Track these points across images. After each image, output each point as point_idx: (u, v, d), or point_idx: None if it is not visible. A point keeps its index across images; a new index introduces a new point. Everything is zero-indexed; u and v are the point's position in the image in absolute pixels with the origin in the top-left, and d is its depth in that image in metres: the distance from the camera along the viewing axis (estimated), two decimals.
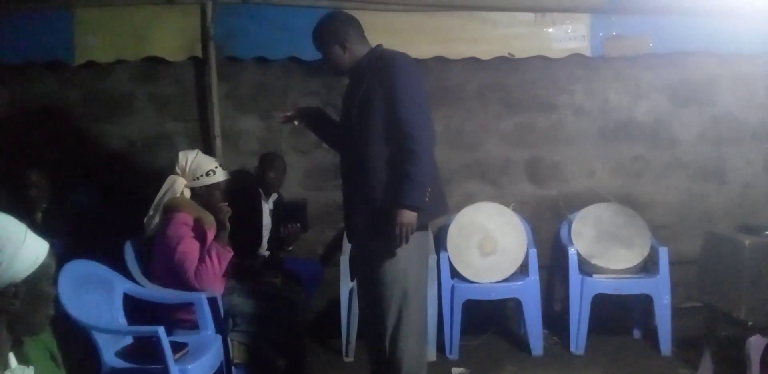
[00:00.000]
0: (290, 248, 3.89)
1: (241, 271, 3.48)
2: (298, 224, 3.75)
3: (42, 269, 1.55)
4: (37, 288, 1.55)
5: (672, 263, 4.04)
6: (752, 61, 4.46)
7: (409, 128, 2.67)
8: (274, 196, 4.04)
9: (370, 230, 2.80)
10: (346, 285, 3.89)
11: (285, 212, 3.80)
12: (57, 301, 2.61)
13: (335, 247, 4.29)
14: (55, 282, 1.64)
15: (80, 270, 2.97)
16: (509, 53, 4.31)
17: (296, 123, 3.04)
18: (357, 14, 4.09)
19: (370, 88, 2.74)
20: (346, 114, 2.87)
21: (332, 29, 2.85)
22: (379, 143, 2.73)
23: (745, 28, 4.25)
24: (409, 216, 2.66)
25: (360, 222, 2.84)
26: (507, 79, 4.46)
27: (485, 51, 4.31)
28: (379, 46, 2.90)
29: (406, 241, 2.70)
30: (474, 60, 4.32)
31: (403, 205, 2.66)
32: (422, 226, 2.84)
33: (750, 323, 3.27)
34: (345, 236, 3.93)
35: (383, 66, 2.74)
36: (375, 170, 2.75)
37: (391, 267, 2.79)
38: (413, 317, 2.84)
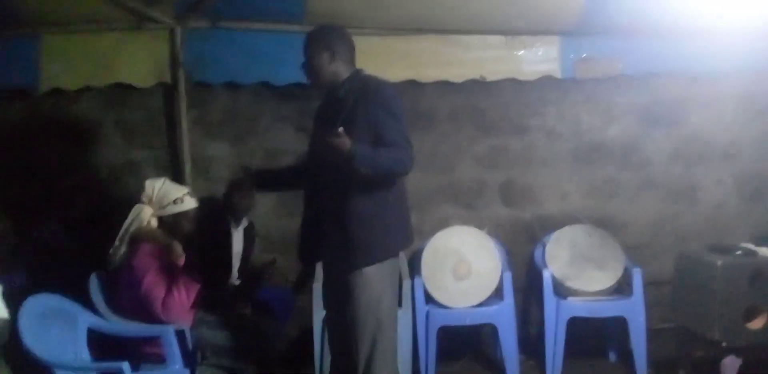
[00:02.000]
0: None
1: (210, 302, 3.41)
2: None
3: None
4: None
5: (646, 284, 4.03)
6: (721, 81, 4.50)
7: (399, 142, 2.68)
8: (245, 223, 3.99)
9: (343, 256, 2.76)
10: (319, 313, 3.82)
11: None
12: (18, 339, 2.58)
13: (307, 275, 4.24)
14: None
15: (43, 304, 2.90)
16: (481, 76, 4.32)
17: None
18: None
19: (352, 115, 2.72)
20: (322, 138, 2.83)
21: (329, 37, 2.82)
22: None
23: (713, 50, 4.29)
24: (343, 145, 2.52)
25: (333, 249, 2.80)
26: (479, 101, 4.48)
27: (457, 74, 4.32)
28: (360, 70, 2.88)
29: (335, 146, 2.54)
30: (446, 83, 4.32)
31: (354, 146, 2.54)
32: (393, 254, 2.83)
33: (724, 344, 3.28)
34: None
35: (369, 94, 2.72)
36: (352, 195, 2.73)
37: (364, 295, 2.75)
38: (387, 346, 2.81)
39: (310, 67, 2.82)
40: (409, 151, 2.72)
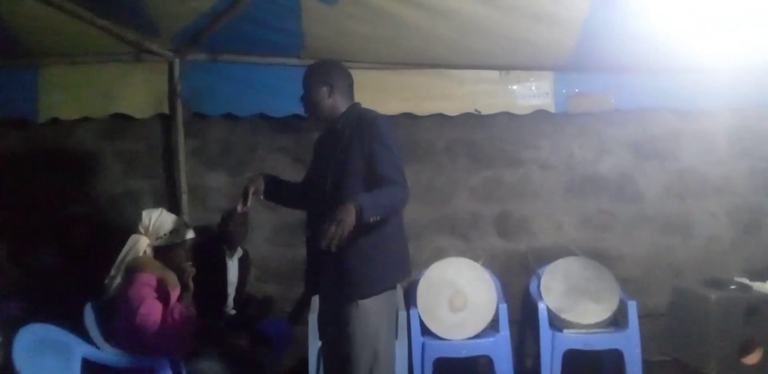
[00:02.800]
0: None
1: (205, 333, 3.39)
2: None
3: None
4: None
5: (641, 316, 4.03)
6: (712, 117, 4.56)
7: (393, 177, 2.66)
8: (240, 252, 3.99)
9: (339, 287, 2.76)
10: (315, 344, 3.81)
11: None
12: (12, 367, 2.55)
13: (304, 305, 4.22)
14: None
15: (37, 334, 2.87)
16: (476, 110, 4.38)
17: (262, 197, 2.94)
18: None
19: (348, 148, 2.74)
20: (320, 169, 2.87)
21: (329, 71, 2.88)
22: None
23: (704, 86, 4.37)
24: (350, 214, 2.47)
25: (329, 280, 2.80)
26: (474, 134, 4.52)
27: (452, 107, 4.38)
28: (357, 104, 2.91)
29: (334, 242, 2.46)
30: (441, 116, 4.38)
31: (357, 202, 2.48)
32: (390, 286, 2.82)
33: None
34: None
35: (364, 127, 2.74)
36: None
37: (360, 328, 2.72)
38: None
39: (308, 100, 2.86)
40: (404, 185, 2.71)
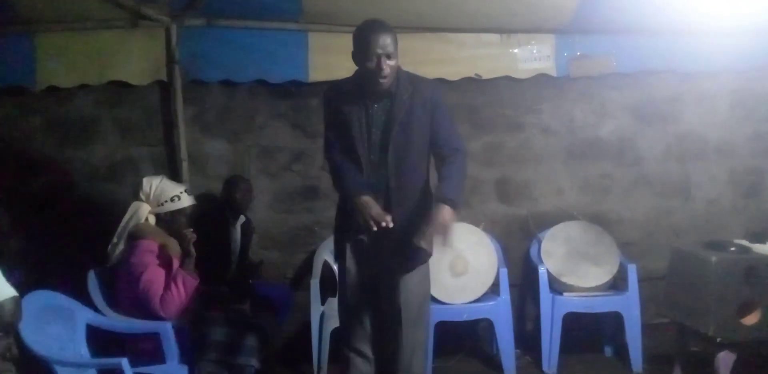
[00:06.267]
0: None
1: (208, 298, 3.42)
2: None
3: None
4: None
5: (641, 280, 4.06)
6: (714, 78, 4.53)
7: (457, 146, 2.86)
8: (242, 219, 4.00)
9: (408, 255, 2.87)
10: (317, 309, 3.86)
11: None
12: (17, 335, 2.57)
13: (305, 271, 4.26)
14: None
15: (41, 301, 2.90)
16: (476, 74, 4.34)
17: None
18: (326, 36, 4.13)
19: (411, 113, 2.80)
20: (367, 132, 2.84)
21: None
22: (424, 164, 2.90)
23: (706, 47, 4.32)
24: (450, 217, 2.69)
25: (398, 252, 2.87)
26: (475, 99, 4.49)
27: (452, 72, 4.33)
28: (399, 66, 2.90)
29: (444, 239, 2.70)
30: (441, 81, 4.31)
31: (452, 201, 2.69)
32: None
33: (718, 339, 3.29)
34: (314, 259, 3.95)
35: (425, 92, 2.85)
36: (422, 196, 2.88)
37: (423, 289, 2.97)
38: (427, 334, 3.12)
39: (396, 66, 2.81)
40: (465, 151, 2.89)
